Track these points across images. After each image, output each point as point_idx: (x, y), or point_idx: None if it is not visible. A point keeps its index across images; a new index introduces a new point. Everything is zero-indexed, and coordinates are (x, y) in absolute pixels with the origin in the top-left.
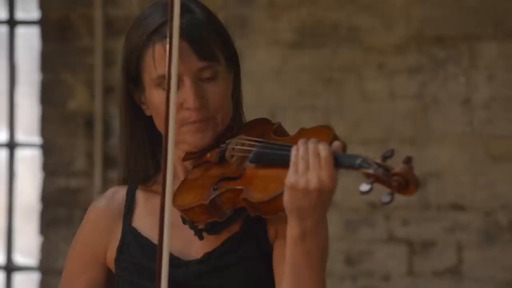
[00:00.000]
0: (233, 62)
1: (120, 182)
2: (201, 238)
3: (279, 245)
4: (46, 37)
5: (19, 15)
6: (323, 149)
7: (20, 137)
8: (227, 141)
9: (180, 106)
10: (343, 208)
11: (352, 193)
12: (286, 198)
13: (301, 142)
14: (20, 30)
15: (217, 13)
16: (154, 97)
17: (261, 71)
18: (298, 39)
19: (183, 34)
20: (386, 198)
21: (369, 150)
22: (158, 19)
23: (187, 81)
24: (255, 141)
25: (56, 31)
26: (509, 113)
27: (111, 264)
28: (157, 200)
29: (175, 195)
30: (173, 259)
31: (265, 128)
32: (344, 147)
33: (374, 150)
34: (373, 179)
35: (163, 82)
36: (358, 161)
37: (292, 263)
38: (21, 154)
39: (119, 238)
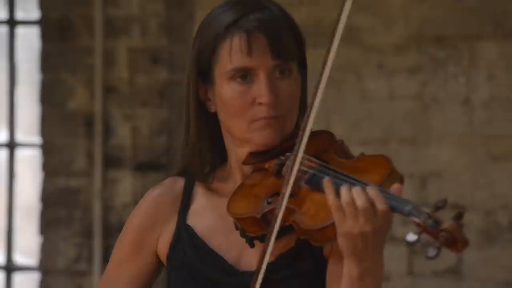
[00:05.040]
0: (303, 64)
1: (175, 174)
2: (252, 246)
3: (333, 262)
4: (46, 37)
5: (19, 15)
6: (376, 198)
7: (20, 137)
8: (287, 154)
9: (252, 102)
10: None
11: None
12: (342, 243)
13: (355, 191)
14: (20, 30)
15: None
16: (225, 90)
17: None
18: None
19: (261, 28)
20: (432, 253)
21: (369, 150)
22: (235, 13)
23: (262, 76)
24: (314, 161)
25: (56, 31)
26: (509, 113)
27: (163, 257)
28: (216, 199)
29: (231, 200)
30: (228, 267)
31: (327, 143)
32: (401, 181)
33: (374, 150)
34: (421, 229)
35: (237, 75)
36: (408, 208)
37: None
38: (21, 154)
39: (173, 233)
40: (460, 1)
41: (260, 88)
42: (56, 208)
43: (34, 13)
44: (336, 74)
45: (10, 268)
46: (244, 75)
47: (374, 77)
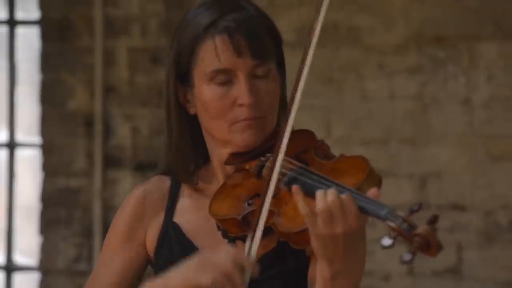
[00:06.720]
0: (281, 64)
1: (160, 174)
2: (234, 246)
3: (315, 261)
4: (46, 37)
5: (19, 15)
6: (346, 201)
7: (20, 137)
8: (267, 155)
9: (233, 103)
10: None
11: None
12: (314, 245)
13: (323, 193)
14: (20, 30)
15: None
16: (205, 92)
17: None
18: (298, 39)
19: (239, 29)
20: (407, 257)
21: (369, 150)
22: (212, 15)
23: (242, 77)
24: (294, 163)
25: (56, 31)
26: (509, 113)
27: (150, 252)
28: (201, 199)
29: (212, 201)
30: None
31: (308, 143)
32: (379, 183)
33: (374, 150)
34: (396, 233)
35: (216, 77)
36: (383, 212)
37: None
38: (21, 154)
39: (160, 230)
40: (460, 1)
41: (240, 90)
42: (56, 208)
43: (34, 13)
44: (336, 74)
45: (10, 268)
46: (223, 77)
47: (374, 77)
